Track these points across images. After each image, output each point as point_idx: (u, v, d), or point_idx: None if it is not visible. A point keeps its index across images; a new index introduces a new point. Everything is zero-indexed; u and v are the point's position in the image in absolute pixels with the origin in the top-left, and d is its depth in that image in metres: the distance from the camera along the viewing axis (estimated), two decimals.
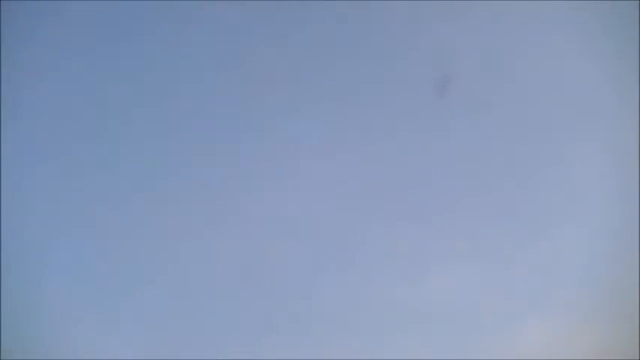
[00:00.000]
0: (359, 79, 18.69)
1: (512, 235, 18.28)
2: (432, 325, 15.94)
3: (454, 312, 18.01)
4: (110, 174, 16.08)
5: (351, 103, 17.46)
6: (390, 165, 16.91)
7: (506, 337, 17.98)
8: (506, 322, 18.07)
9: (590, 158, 19.82)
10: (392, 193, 16.10)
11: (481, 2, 20.75)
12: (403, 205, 15.96)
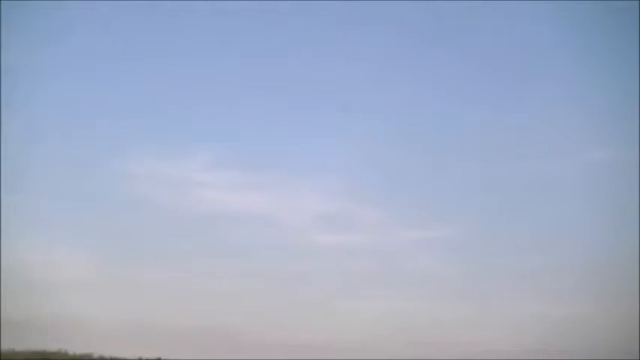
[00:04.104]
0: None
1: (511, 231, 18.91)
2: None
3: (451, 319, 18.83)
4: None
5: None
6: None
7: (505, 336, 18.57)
8: (504, 321, 18.71)
9: (590, 157, 20.43)
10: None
11: (483, 2, 21.41)
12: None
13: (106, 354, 24.93)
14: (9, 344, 23.69)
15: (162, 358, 24.43)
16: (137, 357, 25.58)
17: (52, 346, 23.97)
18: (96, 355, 27.56)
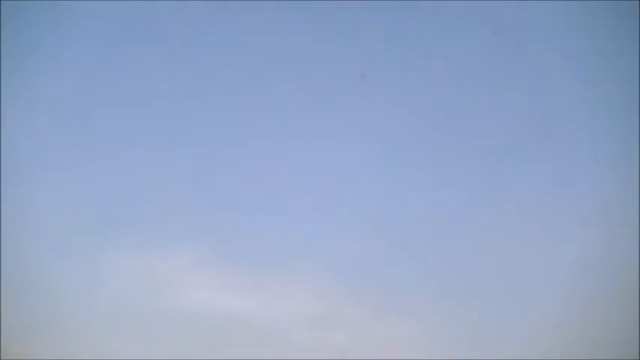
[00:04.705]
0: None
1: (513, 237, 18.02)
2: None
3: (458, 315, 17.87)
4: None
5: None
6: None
7: (506, 338, 17.68)
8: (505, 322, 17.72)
9: (590, 156, 19.51)
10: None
11: (483, 2, 20.51)
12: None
13: None
14: None
15: None
16: None
17: None
18: None
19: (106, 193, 24.66)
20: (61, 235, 22.86)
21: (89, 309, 21.75)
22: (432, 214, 23.20)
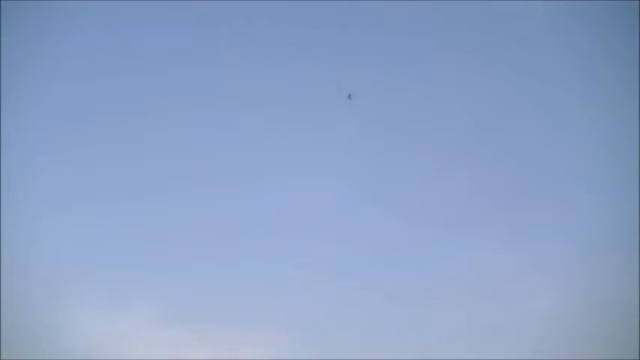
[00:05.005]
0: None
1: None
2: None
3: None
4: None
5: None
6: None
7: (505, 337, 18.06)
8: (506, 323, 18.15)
9: (590, 156, 19.82)
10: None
11: (482, 2, 20.99)
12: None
13: None
14: None
15: None
16: None
17: None
18: None
19: (65, 248, 24.83)
20: (22, 290, 22.91)
21: None
22: (403, 264, 23.08)
